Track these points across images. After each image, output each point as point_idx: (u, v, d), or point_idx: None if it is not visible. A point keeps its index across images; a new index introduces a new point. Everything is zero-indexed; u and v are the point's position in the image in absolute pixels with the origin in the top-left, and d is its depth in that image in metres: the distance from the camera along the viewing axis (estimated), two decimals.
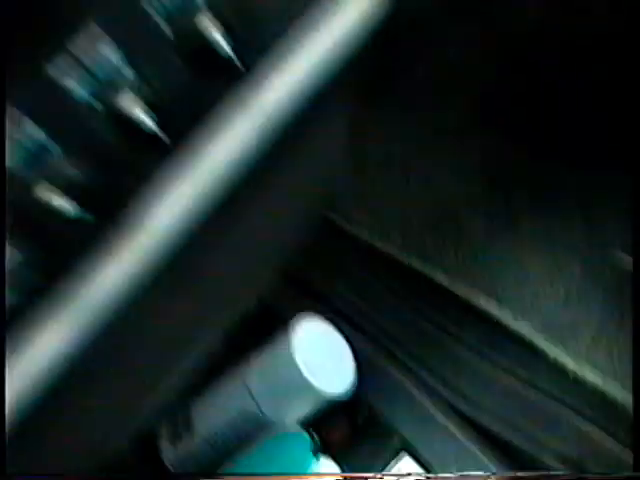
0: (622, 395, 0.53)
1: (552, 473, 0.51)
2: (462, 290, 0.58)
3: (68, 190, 0.28)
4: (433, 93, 0.75)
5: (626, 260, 0.59)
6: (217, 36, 0.31)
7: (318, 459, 0.51)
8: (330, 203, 0.59)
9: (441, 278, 0.59)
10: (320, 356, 0.53)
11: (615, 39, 0.68)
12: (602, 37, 0.68)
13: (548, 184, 0.65)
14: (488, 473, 0.50)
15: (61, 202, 0.28)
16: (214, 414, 0.54)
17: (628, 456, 0.51)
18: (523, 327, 0.56)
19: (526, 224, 0.63)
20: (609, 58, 0.66)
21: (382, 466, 0.53)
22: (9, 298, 0.27)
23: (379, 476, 0.48)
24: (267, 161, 0.33)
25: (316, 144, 0.42)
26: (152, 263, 0.30)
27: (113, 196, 0.30)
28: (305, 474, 0.47)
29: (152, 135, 0.29)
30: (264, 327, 0.58)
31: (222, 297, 0.37)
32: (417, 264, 0.59)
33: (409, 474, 0.50)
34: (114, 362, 0.33)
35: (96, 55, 0.28)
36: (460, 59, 0.77)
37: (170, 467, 0.55)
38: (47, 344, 0.29)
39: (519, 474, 0.51)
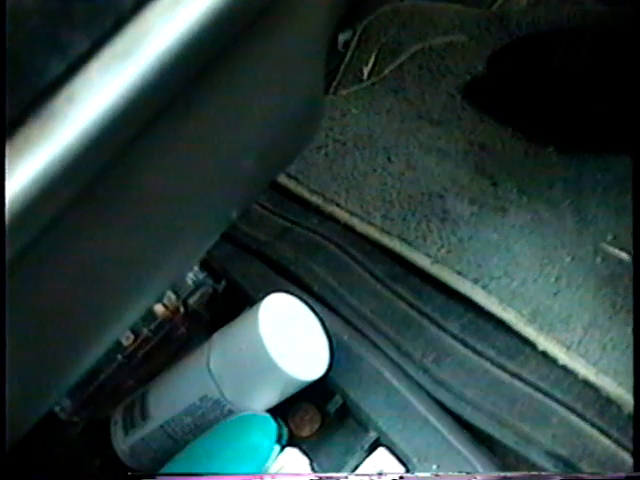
0: (616, 390, 0.49)
1: (543, 473, 0.48)
2: (446, 276, 0.55)
3: None
4: (419, 78, 0.73)
5: (617, 253, 0.56)
6: None
7: (283, 449, 0.46)
8: None
9: (424, 262, 0.55)
10: (290, 338, 0.48)
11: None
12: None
13: (537, 171, 0.63)
14: (473, 473, 0.46)
15: None
16: (172, 399, 0.49)
17: (622, 455, 0.47)
18: (510, 316, 0.53)
19: (514, 210, 0.60)
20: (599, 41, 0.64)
21: (357, 461, 0.48)
22: None
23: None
24: None
25: None
26: None
27: None
28: (264, 460, 0.42)
29: None
30: (232, 308, 0.54)
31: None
32: (398, 247, 0.56)
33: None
34: None
35: None
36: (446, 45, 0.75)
37: (122, 457, 0.50)
38: None
39: (506, 474, 0.47)
